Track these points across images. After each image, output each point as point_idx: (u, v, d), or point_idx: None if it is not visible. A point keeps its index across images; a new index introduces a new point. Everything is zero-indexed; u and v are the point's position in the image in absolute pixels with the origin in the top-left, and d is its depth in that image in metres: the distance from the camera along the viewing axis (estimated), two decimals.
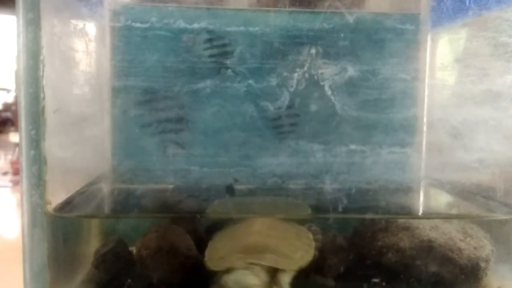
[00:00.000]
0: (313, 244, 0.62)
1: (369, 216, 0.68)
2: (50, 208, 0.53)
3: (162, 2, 0.71)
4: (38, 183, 0.52)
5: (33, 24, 0.50)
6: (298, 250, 0.60)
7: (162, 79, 0.73)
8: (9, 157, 3.88)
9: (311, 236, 0.64)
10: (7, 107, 6.89)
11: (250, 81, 0.72)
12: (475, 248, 0.63)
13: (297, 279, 0.61)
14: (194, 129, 0.74)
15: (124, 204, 0.72)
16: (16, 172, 2.97)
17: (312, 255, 0.60)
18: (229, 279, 0.54)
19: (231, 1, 0.75)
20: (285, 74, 0.72)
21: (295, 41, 0.72)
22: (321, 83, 0.72)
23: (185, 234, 0.67)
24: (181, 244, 0.65)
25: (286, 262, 0.58)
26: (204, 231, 0.69)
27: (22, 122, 0.52)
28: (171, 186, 0.74)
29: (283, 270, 0.57)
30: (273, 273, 0.57)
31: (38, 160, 0.52)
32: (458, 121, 0.71)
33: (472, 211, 0.70)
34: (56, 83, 0.55)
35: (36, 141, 0.52)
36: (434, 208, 0.77)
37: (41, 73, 0.51)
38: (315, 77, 0.72)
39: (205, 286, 0.61)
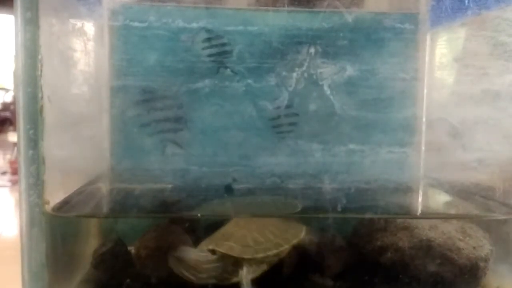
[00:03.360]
0: (294, 241, 0.62)
1: (368, 215, 0.69)
2: (49, 207, 0.53)
3: (160, 2, 0.71)
4: (36, 183, 0.52)
5: (31, 24, 0.50)
6: (267, 242, 0.61)
7: (160, 79, 0.72)
8: (8, 156, 3.88)
9: (301, 234, 0.63)
10: (5, 106, 6.88)
11: (249, 81, 0.72)
12: (474, 248, 0.63)
13: (296, 279, 0.62)
14: (193, 128, 0.74)
15: (123, 203, 0.72)
16: (14, 171, 2.97)
17: (282, 250, 0.60)
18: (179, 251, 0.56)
19: (230, 0, 0.75)
20: (284, 73, 0.72)
21: (294, 40, 0.72)
22: (320, 83, 0.72)
23: (183, 234, 0.67)
24: (180, 244, 0.65)
25: (242, 250, 0.58)
26: (203, 230, 0.69)
27: (21, 121, 0.52)
28: (170, 186, 0.74)
29: (246, 262, 0.58)
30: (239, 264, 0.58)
31: (36, 160, 0.52)
32: (457, 121, 0.71)
33: (471, 210, 0.70)
34: (54, 82, 0.55)
35: (34, 141, 0.52)
36: (433, 208, 0.77)
37: (39, 73, 0.51)
38: (314, 76, 0.72)
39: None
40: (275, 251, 0.60)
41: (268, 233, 0.62)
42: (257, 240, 0.60)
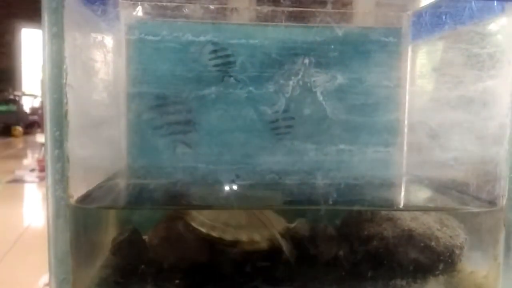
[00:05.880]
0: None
1: (356, 208, 0.69)
2: (72, 200, 0.53)
3: (172, 18, 0.71)
4: (61, 179, 0.52)
5: (57, 37, 0.51)
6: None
7: (172, 86, 0.73)
8: (36, 155, 3.88)
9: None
10: (34, 111, 6.90)
11: (251, 88, 0.73)
12: (450, 237, 0.63)
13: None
14: (201, 130, 0.74)
15: (138, 197, 0.72)
16: (42, 169, 2.97)
17: None
18: None
19: (233, 16, 0.75)
20: (281, 81, 0.72)
21: (290, 52, 0.72)
22: (314, 90, 0.72)
23: (192, 225, 0.67)
24: (188, 233, 0.65)
25: None
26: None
27: (47, 124, 0.52)
28: (180, 182, 0.74)
29: None
30: None
31: (61, 158, 0.52)
32: (436, 124, 0.71)
33: (448, 203, 0.70)
34: (77, 89, 0.55)
35: (59, 142, 0.52)
36: (414, 201, 0.77)
37: (64, 81, 0.51)
38: (308, 84, 0.72)
39: (209, 271, 0.61)
40: None
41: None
42: None
